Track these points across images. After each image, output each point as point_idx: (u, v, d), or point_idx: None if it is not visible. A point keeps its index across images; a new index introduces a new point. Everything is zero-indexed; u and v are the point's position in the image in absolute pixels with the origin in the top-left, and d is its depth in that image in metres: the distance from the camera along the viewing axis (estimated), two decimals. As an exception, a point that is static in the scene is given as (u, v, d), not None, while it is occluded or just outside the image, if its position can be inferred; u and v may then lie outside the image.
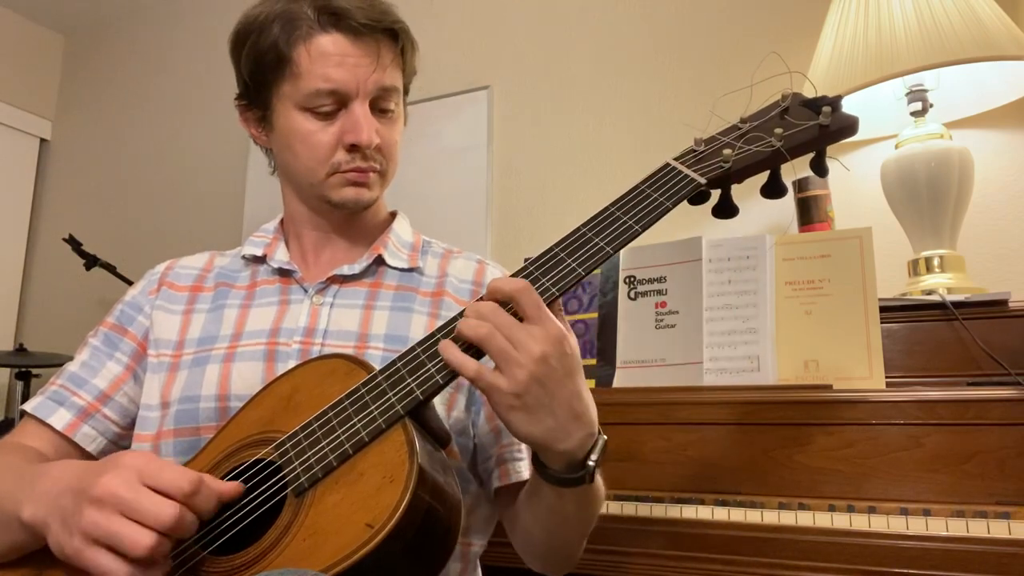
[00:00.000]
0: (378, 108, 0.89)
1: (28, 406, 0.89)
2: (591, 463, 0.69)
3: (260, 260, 0.96)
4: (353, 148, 0.87)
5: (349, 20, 0.84)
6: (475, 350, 0.67)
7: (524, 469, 0.86)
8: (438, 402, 0.83)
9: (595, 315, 1.38)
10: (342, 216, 0.94)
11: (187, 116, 2.64)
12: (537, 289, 0.70)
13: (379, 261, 0.94)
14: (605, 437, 0.72)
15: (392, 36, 0.89)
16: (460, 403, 0.88)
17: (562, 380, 0.66)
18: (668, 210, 0.72)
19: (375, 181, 0.91)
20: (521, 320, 0.66)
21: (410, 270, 0.95)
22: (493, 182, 2.01)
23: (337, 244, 0.96)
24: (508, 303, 0.67)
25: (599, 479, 0.76)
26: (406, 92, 0.95)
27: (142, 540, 0.59)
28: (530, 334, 0.65)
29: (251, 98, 0.92)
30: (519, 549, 0.88)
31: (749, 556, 0.98)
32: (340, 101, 0.86)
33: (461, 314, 0.70)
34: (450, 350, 0.67)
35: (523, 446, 0.87)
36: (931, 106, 1.38)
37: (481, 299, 0.70)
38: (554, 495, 0.74)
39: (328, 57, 0.84)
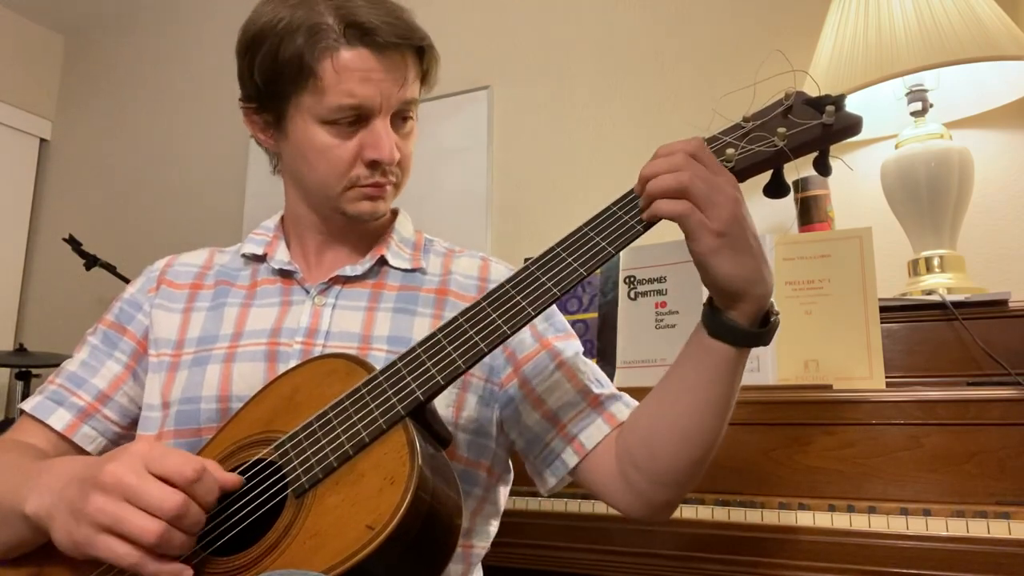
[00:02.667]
0: (399, 119, 0.88)
1: (27, 405, 0.88)
2: (774, 317, 0.72)
3: (260, 259, 0.96)
4: (373, 164, 0.86)
5: (376, 37, 0.82)
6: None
7: (600, 426, 0.83)
8: (444, 405, 0.82)
9: (595, 315, 1.38)
10: (349, 222, 0.93)
11: (187, 116, 2.64)
12: (538, 289, 0.70)
13: (382, 262, 0.94)
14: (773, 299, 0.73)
15: (418, 52, 0.88)
16: (470, 402, 0.87)
17: (751, 223, 0.69)
18: (671, 209, 0.72)
19: (390, 194, 0.90)
20: None
21: (413, 270, 0.94)
22: (493, 182, 2.01)
23: (340, 246, 0.95)
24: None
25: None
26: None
27: (149, 527, 0.60)
28: (724, 179, 0.68)
29: (262, 103, 0.89)
30: (637, 494, 0.79)
31: (749, 556, 0.98)
32: (361, 116, 0.85)
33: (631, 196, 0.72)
34: (656, 203, 0.68)
35: (589, 408, 0.84)
36: (931, 106, 1.38)
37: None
38: (728, 365, 0.72)
39: (354, 72, 0.82)
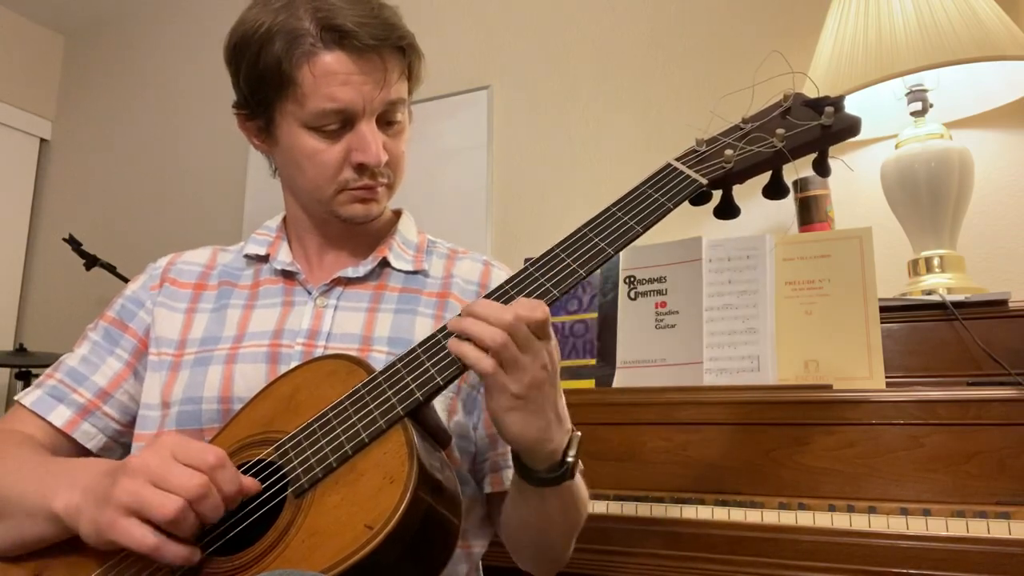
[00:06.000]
0: (384, 121, 0.87)
1: (26, 400, 0.87)
2: (569, 459, 0.73)
3: (263, 259, 0.96)
4: (361, 167, 0.85)
5: (353, 40, 0.81)
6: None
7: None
8: (440, 408, 0.83)
9: (595, 315, 1.38)
10: (346, 225, 0.92)
11: (187, 116, 2.64)
12: (537, 290, 0.70)
13: (384, 263, 0.94)
14: (579, 433, 0.75)
15: (399, 51, 0.86)
16: (460, 408, 0.88)
17: (554, 384, 0.70)
18: (669, 211, 0.72)
19: (383, 195, 0.90)
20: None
21: (415, 272, 0.94)
22: (493, 182, 2.01)
23: (341, 247, 0.95)
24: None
25: (580, 480, 0.79)
26: (409, 93, 0.95)
27: (168, 503, 0.61)
28: (541, 345, 0.68)
29: (251, 109, 0.89)
30: (511, 551, 0.89)
31: (749, 556, 0.98)
32: (346, 120, 0.84)
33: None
34: (464, 346, 0.68)
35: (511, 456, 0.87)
36: (931, 106, 1.38)
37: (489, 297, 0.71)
38: (538, 497, 0.76)
39: (333, 76, 0.81)
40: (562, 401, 0.72)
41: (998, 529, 0.88)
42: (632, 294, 1.33)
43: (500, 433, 0.71)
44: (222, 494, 0.64)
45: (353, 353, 0.83)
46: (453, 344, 0.68)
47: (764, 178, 0.75)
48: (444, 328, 0.71)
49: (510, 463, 0.87)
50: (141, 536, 0.61)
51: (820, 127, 0.71)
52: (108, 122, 2.83)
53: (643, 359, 1.28)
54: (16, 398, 0.89)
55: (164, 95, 2.71)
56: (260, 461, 0.70)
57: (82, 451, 0.88)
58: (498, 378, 0.67)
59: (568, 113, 1.96)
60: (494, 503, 0.89)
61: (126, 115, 2.79)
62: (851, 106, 0.73)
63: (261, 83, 0.85)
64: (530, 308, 0.67)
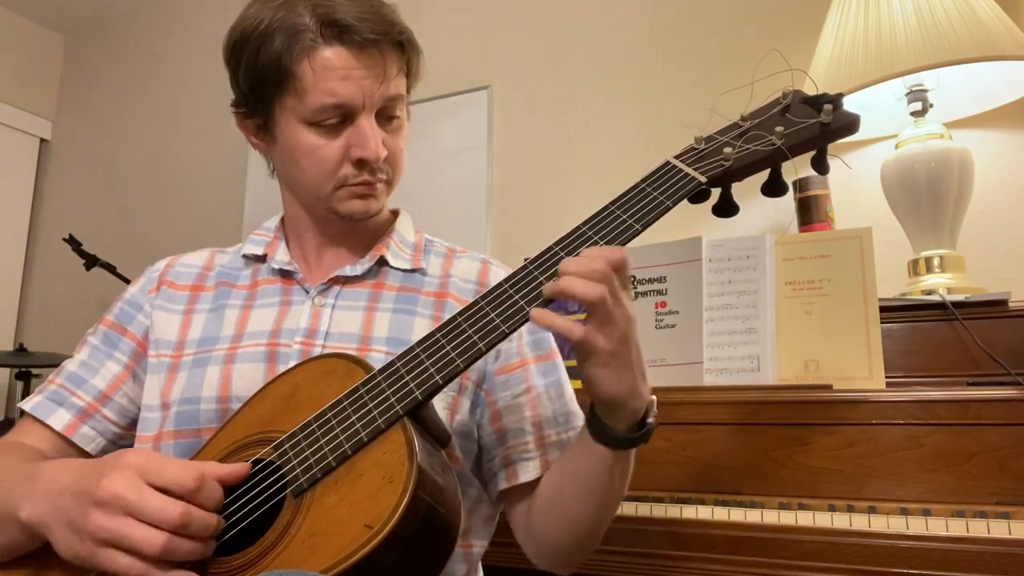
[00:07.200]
0: (384, 117, 0.87)
1: (27, 405, 0.88)
2: (650, 420, 0.74)
3: (261, 259, 0.96)
4: (360, 162, 0.85)
5: (353, 34, 0.81)
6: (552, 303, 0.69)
7: (533, 468, 0.85)
8: (441, 407, 0.83)
9: (595, 315, 1.37)
10: (345, 223, 0.93)
11: (187, 116, 2.64)
12: (536, 288, 0.70)
13: (381, 262, 0.93)
14: (655, 397, 0.75)
15: (398, 46, 0.86)
16: (464, 406, 0.87)
17: (638, 341, 0.71)
18: (668, 209, 0.72)
19: (382, 191, 0.90)
20: None
21: (412, 271, 0.94)
22: (493, 182, 2.01)
23: (339, 246, 0.95)
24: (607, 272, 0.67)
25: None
26: (408, 91, 0.95)
27: (152, 539, 0.60)
28: (626, 299, 0.69)
29: (250, 107, 0.89)
30: (535, 547, 0.86)
31: (749, 556, 0.98)
32: (346, 115, 0.84)
33: (533, 275, 0.70)
34: (551, 317, 0.67)
35: (532, 445, 0.86)
36: (931, 106, 1.38)
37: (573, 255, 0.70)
38: (603, 463, 0.75)
39: (333, 71, 0.82)
40: (644, 361, 0.72)
41: (998, 529, 0.88)
42: (632, 294, 1.33)
43: (595, 393, 0.70)
44: (208, 511, 0.63)
45: (351, 352, 0.83)
46: (539, 315, 0.67)
47: (763, 176, 0.75)
48: (443, 327, 0.71)
49: (527, 455, 0.86)
50: (128, 565, 0.60)
51: (819, 124, 0.71)
52: (108, 122, 2.83)
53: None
54: (19, 405, 0.89)
55: (164, 95, 2.71)
56: (259, 461, 0.70)
57: (84, 455, 0.88)
58: (590, 338, 0.66)
59: (567, 113, 1.96)
60: (509, 498, 0.87)
61: (126, 115, 2.79)
62: (851, 106, 0.72)
63: (261, 79, 0.85)
64: (613, 251, 0.67)
